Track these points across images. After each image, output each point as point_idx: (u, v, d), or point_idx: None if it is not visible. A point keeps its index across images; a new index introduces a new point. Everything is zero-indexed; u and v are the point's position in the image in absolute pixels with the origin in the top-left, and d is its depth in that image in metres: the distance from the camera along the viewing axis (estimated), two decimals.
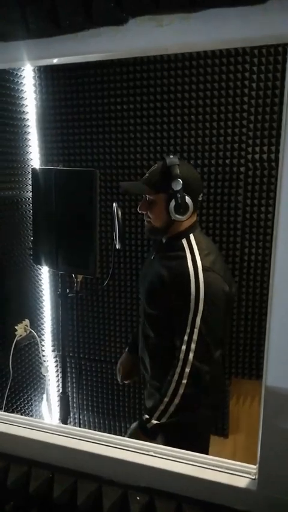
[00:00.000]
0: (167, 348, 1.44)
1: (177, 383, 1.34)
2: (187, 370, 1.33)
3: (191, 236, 1.44)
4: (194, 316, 1.32)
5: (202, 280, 1.33)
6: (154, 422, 1.37)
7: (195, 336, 1.33)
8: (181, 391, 1.34)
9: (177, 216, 1.39)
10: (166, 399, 1.36)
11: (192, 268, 1.35)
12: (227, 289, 1.40)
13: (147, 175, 1.47)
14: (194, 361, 1.33)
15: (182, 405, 1.35)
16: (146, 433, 1.38)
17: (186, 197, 1.39)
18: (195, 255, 1.38)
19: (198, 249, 1.40)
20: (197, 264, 1.36)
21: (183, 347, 1.33)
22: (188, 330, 1.33)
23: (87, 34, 0.68)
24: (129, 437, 1.37)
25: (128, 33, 0.66)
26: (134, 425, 1.44)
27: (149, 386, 1.63)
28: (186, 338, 1.33)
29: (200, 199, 1.46)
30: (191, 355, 1.33)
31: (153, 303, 1.49)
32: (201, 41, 0.64)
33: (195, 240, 1.43)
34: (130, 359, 1.82)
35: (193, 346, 1.33)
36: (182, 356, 1.34)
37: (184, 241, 1.43)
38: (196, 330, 1.32)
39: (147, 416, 1.39)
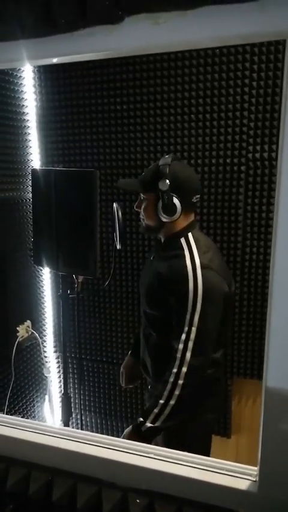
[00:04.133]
0: (168, 349, 1.40)
1: (173, 383, 1.30)
2: (184, 370, 1.30)
3: (189, 235, 1.43)
4: (192, 314, 1.30)
5: (200, 277, 1.31)
6: (148, 425, 1.32)
7: (192, 335, 1.30)
8: (177, 392, 1.30)
9: (165, 216, 1.38)
10: (161, 401, 1.31)
11: (190, 266, 1.34)
12: (226, 288, 1.39)
13: (143, 173, 1.48)
14: (191, 360, 1.30)
15: (178, 407, 1.31)
16: (140, 436, 1.33)
17: (175, 198, 1.37)
18: (193, 253, 1.37)
19: (196, 247, 1.39)
20: (195, 262, 1.34)
21: (180, 346, 1.30)
22: (185, 329, 1.30)
23: (83, 33, 0.67)
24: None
25: (123, 31, 0.65)
26: (128, 429, 1.39)
27: (151, 388, 1.61)
28: (184, 336, 1.30)
29: (194, 200, 1.43)
30: (188, 354, 1.30)
31: (152, 303, 1.48)
32: (198, 38, 0.63)
33: (194, 238, 1.42)
34: (133, 362, 1.80)
35: (190, 345, 1.30)
36: (179, 355, 1.30)
37: (183, 240, 1.42)
38: (194, 329, 1.29)
39: (141, 419, 1.34)
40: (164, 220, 1.39)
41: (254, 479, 0.74)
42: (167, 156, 1.42)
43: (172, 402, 1.30)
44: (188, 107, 1.94)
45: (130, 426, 1.39)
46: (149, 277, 1.51)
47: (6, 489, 0.81)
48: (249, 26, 0.60)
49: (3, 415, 0.91)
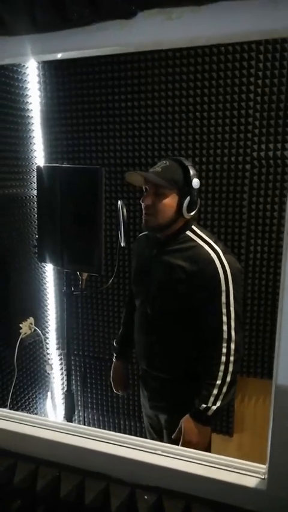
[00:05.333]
0: (190, 339, 1.48)
1: (226, 362, 1.39)
2: (232, 346, 1.39)
3: (194, 227, 1.50)
4: (227, 297, 1.39)
5: (226, 262, 1.40)
6: (214, 407, 1.38)
7: (232, 315, 1.39)
8: (231, 368, 1.39)
9: (188, 213, 1.45)
10: (218, 382, 1.38)
11: (213, 254, 1.41)
12: (241, 267, 1.51)
13: (158, 169, 1.45)
14: (236, 337, 1.40)
15: (233, 382, 1.40)
16: (207, 422, 1.41)
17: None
18: (210, 242, 1.45)
19: (207, 237, 1.47)
20: (216, 249, 1.42)
21: (225, 327, 1.39)
22: (224, 311, 1.39)
23: (94, 28, 0.67)
24: (185, 433, 1.41)
25: (135, 26, 0.65)
26: (186, 421, 1.42)
27: (153, 380, 1.60)
28: (225, 318, 1.39)
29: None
30: (232, 332, 1.39)
31: (173, 298, 1.47)
32: (211, 34, 0.62)
33: (199, 230, 1.50)
34: (124, 367, 1.84)
35: (233, 324, 1.39)
36: (225, 335, 1.39)
37: (189, 233, 1.48)
38: (232, 309, 1.39)
39: (204, 405, 1.39)
40: (185, 216, 1.45)
41: (263, 477, 0.74)
42: (182, 158, 1.49)
43: (228, 379, 1.39)
44: (193, 105, 1.94)
45: (187, 417, 1.42)
46: (162, 273, 1.49)
47: (14, 485, 0.81)
48: (263, 22, 0.59)
49: (11, 411, 0.91)
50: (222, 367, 1.39)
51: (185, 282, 1.43)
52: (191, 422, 1.41)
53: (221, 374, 1.39)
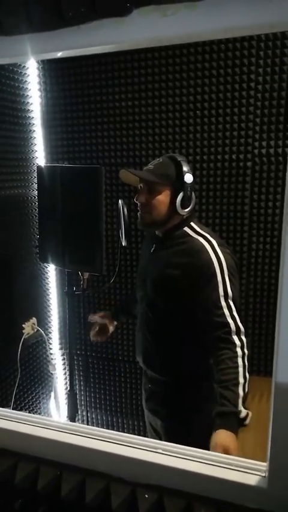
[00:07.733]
0: (188, 340, 1.42)
1: (242, 356, 1.27)
2: (245, 340, 1.29)
3: (193, 224, 1.48)
4: (224, 288, 1.32)
5: (221, 253, 1.36)
6: (244, 410, 1.22)
7: (233, 307, 1.31)
8: (247, 363, 1.27)
9: (182, 209, 1.42)
10: (242, 381, 1.24)
11: (207, 244, 1.38)
12: (237, 260, 1.46)
13: (151, 166, 1.46)
14: (243, 328, 1.30)
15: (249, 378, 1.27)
16: (241, 425, 1.24)
17: (192, 192, 1.43)
18: (204, 235, 1.42)
19: (204, 231, 1.45)
20: (210, 240, 1.40)
21: (230, 320, 1.29)
22: (224, 304, 1.31)
23: (91, 26, 0.67)
24: (232, 450, 1.14)
25: (131, 24, 0.65)
26: (225, 434, 1.17)
27: (152, 385, 1.59)
28: (227, 311, 1.30)
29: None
30: (240, 324, 1.30)
31: (171, 294, 1.45)
32: (207, 30, 0.62)
33: (198, 226, 1.48)
34: (110, 319, 1.80)
35: (237, 316, 1.31)
36: (234, 327, 1.29)
37: (186, 229, 1.46)
38: (231, 301, 1.31)
39: (237, 409, 1.21)
40: (180, 212, 1.42)
41: (264, 475, 0.73)
42: (176, 155, 1.47)
43: (247, 375, 1.26)
44: (193, 103, 1.93)
45: (220, 432, 1.17)
46: (157, 270, 1.48)
47: (15, 484, 0.82)
48: (259, 16, 0.59)
49: (12, 411, 0.92)
50: (240, 362, 1.26)
51: (180, 278, 1.40)
52: (231, 436, 1.17)
53: (240, 370, 1.24)
